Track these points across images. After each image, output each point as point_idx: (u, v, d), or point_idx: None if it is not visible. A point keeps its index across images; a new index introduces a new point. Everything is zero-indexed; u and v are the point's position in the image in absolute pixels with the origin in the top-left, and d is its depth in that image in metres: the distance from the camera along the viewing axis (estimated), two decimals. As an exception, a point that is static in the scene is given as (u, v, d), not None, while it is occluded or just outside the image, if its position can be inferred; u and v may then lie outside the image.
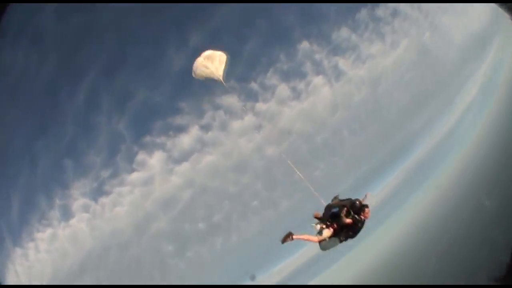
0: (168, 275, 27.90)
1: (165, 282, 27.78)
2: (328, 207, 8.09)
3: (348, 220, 7.66)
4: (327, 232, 7.88)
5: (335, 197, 8.35)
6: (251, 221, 26.39)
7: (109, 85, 26.67)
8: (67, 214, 26.96)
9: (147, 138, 26.84)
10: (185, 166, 26.59)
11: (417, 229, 31.53)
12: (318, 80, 27.60)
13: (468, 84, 34.00)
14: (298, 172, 8.62)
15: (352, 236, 7.95)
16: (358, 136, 28.77)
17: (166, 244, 27.53)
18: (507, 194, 24.76)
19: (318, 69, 27.82)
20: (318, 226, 8.03)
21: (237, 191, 26.91)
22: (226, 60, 9.46)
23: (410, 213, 32.58)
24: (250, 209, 26.70)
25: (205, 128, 26.78)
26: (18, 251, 26.07)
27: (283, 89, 27.28)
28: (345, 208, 7.79)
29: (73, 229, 27.46)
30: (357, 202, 7.74)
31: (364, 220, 7.79)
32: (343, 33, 28.47)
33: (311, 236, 7.97)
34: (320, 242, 7.97)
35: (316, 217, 8.26)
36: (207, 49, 8.98)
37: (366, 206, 7.80)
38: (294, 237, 8.12)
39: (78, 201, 27.11)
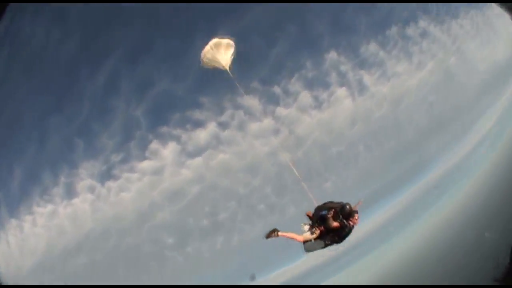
0: (164, 267, 27.74)
1: (161, 274, 27.61)
2: (318, 209, 7.88)
3: (335, 224, 7.43)
4: (314, 234, 7.71)
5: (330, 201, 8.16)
6: (255, 224, 26.20)
7: (132, 71, 26.24)
8: (71, 193, 26.70)
9: (163, 129, 26.53)
10: (197, 161, 26.36)
11: (415, 254, 31.59)
12: (341, 91, 27.37)
13: (486, 114, 33.95)
14: (295, 172, 8.48)
15: (338, 241, 7.71)
16: (372, 153, 28.59)
17: (167, 236, 27.34)
18: (508, 227, 24.82)
19: (343, 81, 27.57)
20: (307, 227, 7.87)
21: (246, 192, 26.70)
22: (233, 48, 9.24)
23: (410, 237, 32.59)
24: (256, 212, 26.50)
25: (223, 125, 26.47)
26: (13, 222, 25.77)
27: (305, 97, 27.00)
28: (333, 210, 7.59)
29: (75, 208, 27.20)
30: (348, 207, 7.51)
31: (352, 226, 7.57)
32: (372, 48, 28.23)
33: (297, 235, 7.79)
34: (304, 242, 7.78)
35: (308, 216, 8.09)
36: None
37: (356, 212, 7.59)
38: (279, 233, 7.95)
39: (85, 182, 26.86)
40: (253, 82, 26.44)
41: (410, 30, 29.64)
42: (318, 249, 7.84)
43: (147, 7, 23.94)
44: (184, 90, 26.98)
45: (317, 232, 7.70)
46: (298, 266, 26.53)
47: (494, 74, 33.63)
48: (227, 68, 9.14)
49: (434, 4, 30.75)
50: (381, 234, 30.64)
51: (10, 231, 25.67)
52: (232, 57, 9.20)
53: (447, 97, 31.22)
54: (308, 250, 7.96)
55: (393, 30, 28.99)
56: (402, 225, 31.36)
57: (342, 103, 27.09)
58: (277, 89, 27.02)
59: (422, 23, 30.34)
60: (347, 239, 7.68)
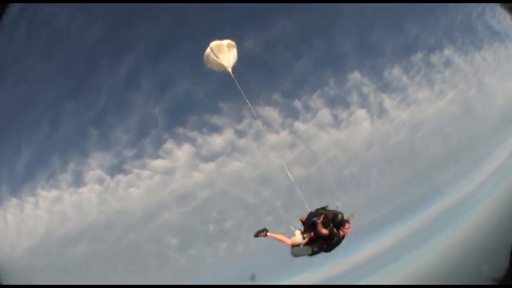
0: (165, 266, 27.71)
1: (161, 273, 27.57)
2: (311, 215, 7.89)
3: (325, 231, 7.42)
4: (303, 239, 7.68)
5: (324, 208, 8.14)
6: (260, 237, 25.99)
7: (154, 68, 26.13)
8: (78, 181, 26.57)
9: (180, 129, 26.46)
10: (210, 166, 26.32)
11: (413, 281, 31.63)
12: (361, 113, 27.34)
13: (499, 149, 33.94)
14: (291, 178, 8.50)
15: (327, 250, 7.69)
16: (385, 177, 28.58)
17: (171, 237, 27.30)
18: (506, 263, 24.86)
19: (363, 102, 27.54)
20: (298, 232, 7.85)
21: (255, 203, 26.65)
22: (235, 49, 9.19)
23: (410, 265, 32.65)
24: (263, 224, 26.06)
25: (240, 133, 26.42)
26: (14, 201, 25.64)
27: (324, 114, 26.94)
28: (323, 216, 7.55)
29: (80, 197, 27.07)
30: (340, 216, 7.51)
31: (343, 236, 7.52)
32: (395, 72, 28.19)
33: (286, 238, 7.77)
34: (293, 246, 7.76)
35: (301, 220, 8.07)
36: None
37: (348, 222, 7.55)
38: (268, 234, 7.97)
39: (94, 172, 26.75)
40: (275, 93, 26.48)
41: (435, 58, 29.65)
42: (305, 255, 7.82)
43: (176, 5, 23.82)
44: (204, 93, 26.96)
45: (307, 237, 7.67)
46: (298, 281, 26.45)
47: (510, 110, 33.64)
48: (230, 69, 9.10)
49: (460, 33, 30.78)
50: (381, 260, 30.72)
51: (9, 209, 25.51)
52: (235, 59, 9.16)
53: (463, 128, 31.26)
54: (295, 254, 7.95)
55: (418, 56, 29.00)
56: (402, 254, 31.47)
57: (361, 124, 27.12)
58: (297, 104, 27.07)
59: (447, 52, 30.35)
60: (336, 249, 7.64)
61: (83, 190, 26.84)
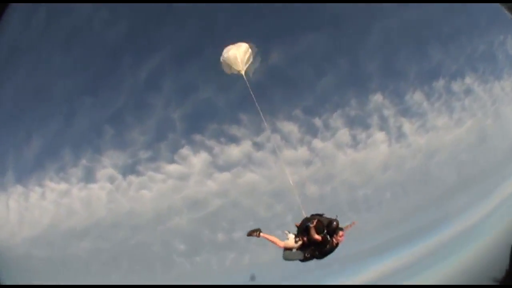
0: (170, 270, 27.65)
1: (164, 276, 27.49)
2: (306, 220, 7.90)
3: (317, 237, 7.43)
4: (297, 243, 7.66)
5: (320, 214, 8.13)
6: (268, 249, 25.89)
7: (177, 72, 26.04)
8: (89, 178, 26.47)
9: (198, 137, 26.40)
10: (225, 175, 26.24)
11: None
12: (379, 135, 27.28)
13: (510, 179, 33.92)
14: (291, 181, 8.48)
15: (318, 257, 7.69)
16: (398, 201, 28.53)
17: (179, 242, 27.21)
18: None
19: (383, 125, 27.49)
20: (291, 236, 7.86)
21: (267, 216, 26.56)
22: (251, 53, 9.09)
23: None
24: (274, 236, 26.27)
25: (258, 146, 26.33)
26: (19, 188, 25.50)
27: (343, 134, 26.87)
28: (316, 221, 7.53)
29: (90, 193, 26.95)
30: (334, 223, 7.53)
31: (336, 244, 7.49)
32: (417, 97, 28.16)
33: (278, 240, 7.78)
34: (285, 249, 7.75)
35: (296, 226, 8.08)
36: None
37: (341, 229, 7.52)
38: (261, 234, 8.00)
39: (106, 170, 26.62)
40: (296, 109, 26.35)
41: (456, 86, 29.61)
42: (297, 259, 7.80)
43: (206, 12, 23.60)
44: (226, 102, 26.86)
45: (300, 242, 7.64)
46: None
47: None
48: (242, 73, 9.02)
49: (481, 62, 30.76)
50: (386, 282, 30.63)
51: (13, 195, 25.35)
52: (251, 62, 9.05)
53: (477, 158, 31.23)
54: (286, 258, 7.96)
55: (440, 83, 28.96)
56: (407, 277, 31.45)
57: (378, 147, 27.08)
58: (317, 121, 26.97)
59: (468, 80, 30.31)
60: (328, 256, 7.58)
61: (93, 186, 26.74)
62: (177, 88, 26.48)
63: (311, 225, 7.71)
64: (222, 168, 26.53)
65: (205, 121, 26.76)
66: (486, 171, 32.01)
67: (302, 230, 8.04)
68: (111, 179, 26.45)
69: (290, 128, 26.36)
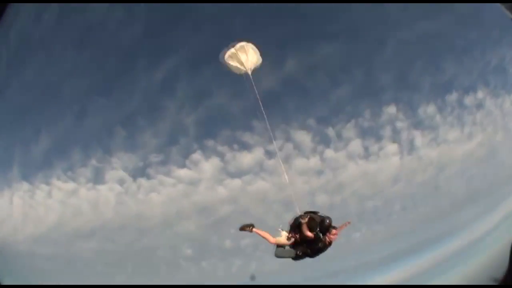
0: (175, 274, 27.53)
1: (169, 280, 27.40)
2: (299, 217, 7.87)
3: (309, 234, 7.40)
4: (289, 240, 7.63)
5: (314, 212, 8.10)
6: (275, 258, 25.84)
7: (192, 76, 25.79)
8: (98, 179, 26.31)
9: (210, 142, 26.29)
10: (236, 182, 26.14)
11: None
12: (391, 147, 27.20)
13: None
14: (286, 178, 8.40)
15: (310, 255, 7.65)
16: (407, 214, 28.48)
17: (187, 247, 27.10)
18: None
19: (395, 137, 27.41)
20: (284, 233, 7.83)
21: (276, 224, 26.29)
22: (257, 53, 8.97)
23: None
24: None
25: (270, 154, 26.12)
26: (25, 185, 25.31)
27: (356, 145, 26.79)
28: (309, 217, 7.50)
29: (98, 194, 26.79)
30: (327, 221, 7.50)
31: (329, 243, 7.43)
32: (430, 110, 28.09)
33: (270, 236, 7.76)
34: (277, 246, 7.72)
35: (290, 225, 8.05)
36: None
37: (334, 228, 7.48)
38: (254, 229, 8.02)
39: (116, 172, 26.49)
40: (310, 118, 26.25)
41: (468, 99, 29.55)
42: (288, 257, 7.76)
43: (223, 16, 23.44)
44: (240, 109, 26.68)
45: (292, 239, 7.59)
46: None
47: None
48: (249, 71, 8.92)
49: (493, 76, 30.74)
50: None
51: (17, 192, 25.18)
52: (256, 62, 8.95)
53: (486, 172, 31.23)
54: (278, 255, 7.94)
55: (453, 96, 28.87)
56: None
57: (390, 159, 26.98)
58: (331, 131, 26.88)
59: (480, 94, 30.27)
60: (320, 255, 7.51)
61: (102, 188, 26.59)
62: (191, 92, 26.41)
63: (303, 221, 7.68)
64: (233, 175, 26.51)
65: (218, 127, 26.78)
66: (494, 185, 32.05)
67: (295, 226, 8.01)
68: (121, 181, 26.36)
69: (303, 137, 26.27)
